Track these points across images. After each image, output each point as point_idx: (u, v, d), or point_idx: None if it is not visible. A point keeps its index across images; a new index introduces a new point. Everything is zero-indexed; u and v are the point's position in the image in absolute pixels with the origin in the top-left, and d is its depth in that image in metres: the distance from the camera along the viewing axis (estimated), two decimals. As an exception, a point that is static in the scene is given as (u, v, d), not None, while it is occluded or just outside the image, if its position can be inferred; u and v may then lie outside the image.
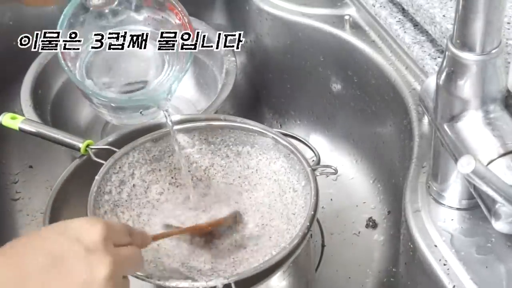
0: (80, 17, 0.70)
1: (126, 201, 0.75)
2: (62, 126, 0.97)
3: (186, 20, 0.72)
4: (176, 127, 0.78)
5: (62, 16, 0.69)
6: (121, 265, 0.53)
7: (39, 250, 0.51)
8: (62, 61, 0.68)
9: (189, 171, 0.80)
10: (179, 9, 0.72)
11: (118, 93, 0.73)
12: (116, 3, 0.71)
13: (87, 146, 0.79)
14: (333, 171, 0.72)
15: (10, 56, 1.03)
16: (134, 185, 0.76)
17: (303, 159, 0.73)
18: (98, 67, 0.72)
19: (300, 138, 0.79)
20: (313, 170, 0.72)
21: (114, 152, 0.76)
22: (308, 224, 0.67)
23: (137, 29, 0.73)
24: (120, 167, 0.75)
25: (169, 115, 0.74)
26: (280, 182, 0.77)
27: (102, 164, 0.75)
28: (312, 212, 0.68)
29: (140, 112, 0.74)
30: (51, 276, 0.50)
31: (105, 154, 0.77)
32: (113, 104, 0.73)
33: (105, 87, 0.72)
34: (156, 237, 0.67)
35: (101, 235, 0.52)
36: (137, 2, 0.73)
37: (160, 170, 0.78)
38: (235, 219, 0.76)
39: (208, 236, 0.74)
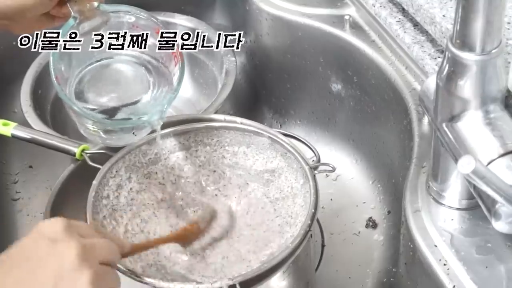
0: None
1: (124, 205, 0.74)
2: (61, 126, 0.97)
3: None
4: (171, 129, 0.78)
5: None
6: (90, 249, 0.54)
7: (15, 256, 0.53)
8: (57, 84, 0.68)
9: (185, 173, 0.79)
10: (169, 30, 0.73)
11: (108, 115, 0.73)
12: (103, 28, 0.72)
13: (83, 150, 0.79)
14: (331, 168, 0.72)
15: (10, 56, 1.03)
16: (131, 188, 0.76)
17: (301, 157, 0.73)
18: (86, 90, 0.73)
19: (300, 138, 0.79)
20: (311, 168, 0.72)
21: (110, 155, 0.76)
22: (310, 222, 0.66)
23: (124, 56, 0.74)
24: (117, 171, 0.75)
25: (160, 134, 0.75)
26: (278, 181, 0.76)
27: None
28: (313, 210, 0.67)
29: (133, 133, 0.75)
30: (24, 272, 0.52)
31: (101, 157, 0.77)
32: (107, 128, 0.74)
33: (95, 109, 0.73)
34: (136, 247, 0.66)
35: (61, 226, 0.54)
36: (124, 27, 0.73)
37: (156, 172, 0.78)
38: (212, 216, 0.75)
39: (195, 239, 0.74)
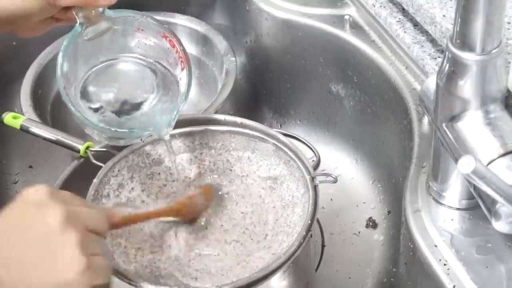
0: (74, 45, 0.70)
1: (124, 205, 0.74)
2: (61, 126, 0.97)
3: (181, 49, 0.73)
4: (177, 131, 0.78)
5: (62, 49, 0.69)
6: (75, 214, 0.53)
7: (2, 223, 0.53)
8: (65, 95, 0.68)
9: (189, 176, 0.79)
10: (172, 36, 0.73)
11: (114, 117, 0.73)
12: (108, 33, 0.72)
13: (87, 148, 0.79)
14: (333, 179, 0.71)
15: (10, 56, 1.03)
16: (133, 188, 0.76)
17: (303, 166, 0.72)
18: (91, 93, 0.73)
19: (300, 138, 0.79)
20: (313, 178, 0.71)
21: (114, 153, 0.76)
22: (305, 233, 0.66)
23: (128, 56, 0.74)
24: (119, 170, 0.75)
25: (170, 142, 0.74)
26: (280, 189, 0.76)
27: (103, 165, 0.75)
28: (309, 221, 0.67)
29: (141, 140, 0.75)
30: (13, 238, 0.52)
31: (105, 156, 0.77)
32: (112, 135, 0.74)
33: (99, 113, 0.73)
34: (126, 219, 0.65)
35: (46, 192, 0.54)
36: (129, 30, 0.73)
37: (159, 173, 0.78)
38: (210, 194, 0.75)
39: (191, 214, 0.73)
